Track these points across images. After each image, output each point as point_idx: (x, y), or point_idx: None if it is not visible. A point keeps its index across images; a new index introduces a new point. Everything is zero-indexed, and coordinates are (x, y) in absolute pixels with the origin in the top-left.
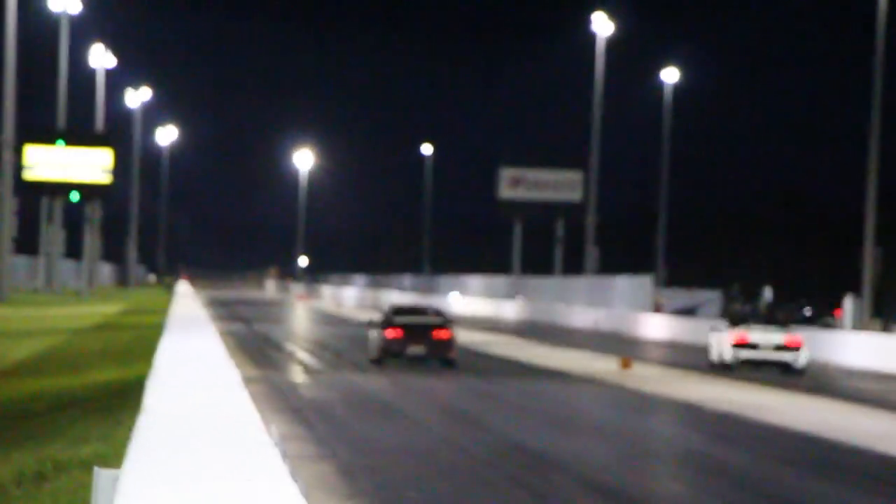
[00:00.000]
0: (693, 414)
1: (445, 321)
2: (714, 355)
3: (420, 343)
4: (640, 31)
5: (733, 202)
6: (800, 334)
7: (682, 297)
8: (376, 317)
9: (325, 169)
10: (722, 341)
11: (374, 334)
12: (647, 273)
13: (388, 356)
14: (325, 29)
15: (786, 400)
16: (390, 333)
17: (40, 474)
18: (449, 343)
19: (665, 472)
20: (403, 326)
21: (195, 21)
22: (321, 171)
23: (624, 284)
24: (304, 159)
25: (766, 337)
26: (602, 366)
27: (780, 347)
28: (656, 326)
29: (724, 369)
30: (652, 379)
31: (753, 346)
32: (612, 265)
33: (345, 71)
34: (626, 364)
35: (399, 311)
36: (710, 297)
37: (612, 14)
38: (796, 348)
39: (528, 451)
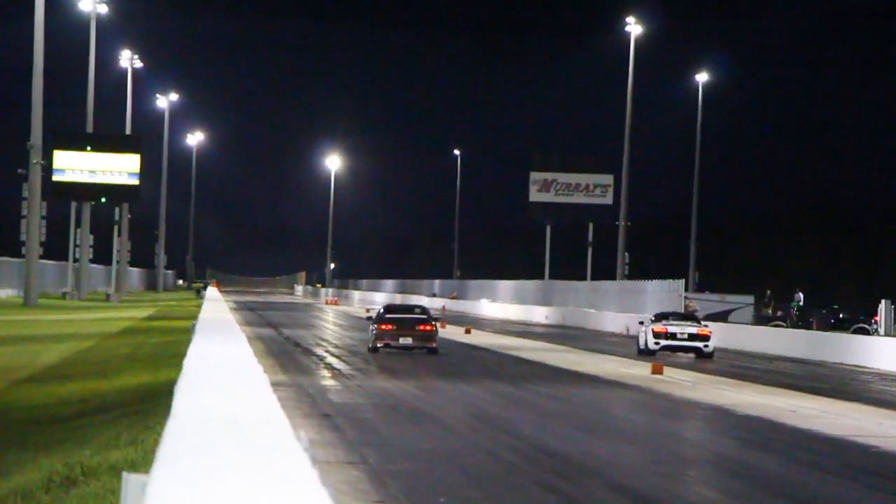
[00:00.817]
0: (724, 418)
1: (429, 318)
2: (641, 344)
3: (408, 335)
4: (672, 33)
5: (766, 206)
6: (709, 326)
7: (714, 301)
8: (374, 314)
9: (355, 172)
10: (647, 332)
11: (372, 328)
12: (678, 278)
13: (383, 346)
14: (355, 31)
15: (819, 405)
16: (384, 327)
17: (69, 479)
18: (431, 334)
19: (696, 476)
20: (394, 321)
21: (224, 23)
22: (351, 175)
23: (655, 289)
24: (333, 163)
25: (681, 328)
26: (633, 371)
27: (693, 336)
28: None
29: (648, 354)
30: (683, 384)
31: (672, 336)
32: (643, 269)
33: (375, 73)
34: (657, 369)
35: (391, 309)
36: (743, 302)
37: (644, 16)
38: (706, 337)
39: (558, 455)
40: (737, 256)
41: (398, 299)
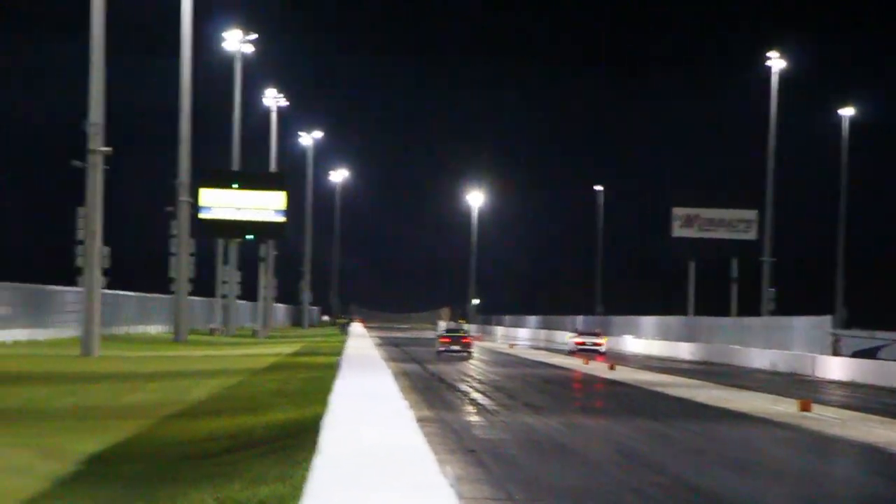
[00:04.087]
0: (875, 457)
1: (468, 333)
2: (567, 349)
3: (456, 344)
4: (815, 66)
5: None
6: (602, 338)
7: (863, 338)
8: (437, 332)
9: (497, 208)
10: (571, 342)
11: (436, 341)
12: (826, 314)
13: (444, 350)
14: (496, 68)
15: None
16: (443, 339)
17: None
18: (469, 344)
19: None
20: (448, 336)
21: (367, 61)
22: (493, 211)
23: (802, 325)
24: (475, 199)
25: (589, 339)
26: (780, 408)
27: (594, 344)
28: (836, 368)
29: (569, 354)
30: (832, 421)
31: (583, 343)
32: (789, 305)
33: (516, 109)
34: (804, 406)
35: (447, 330)
36: (893, 339)
37: (787, 50)
38: (601, 345)
39: (704, 493)
40: (887, 292)
41: (542, 335)
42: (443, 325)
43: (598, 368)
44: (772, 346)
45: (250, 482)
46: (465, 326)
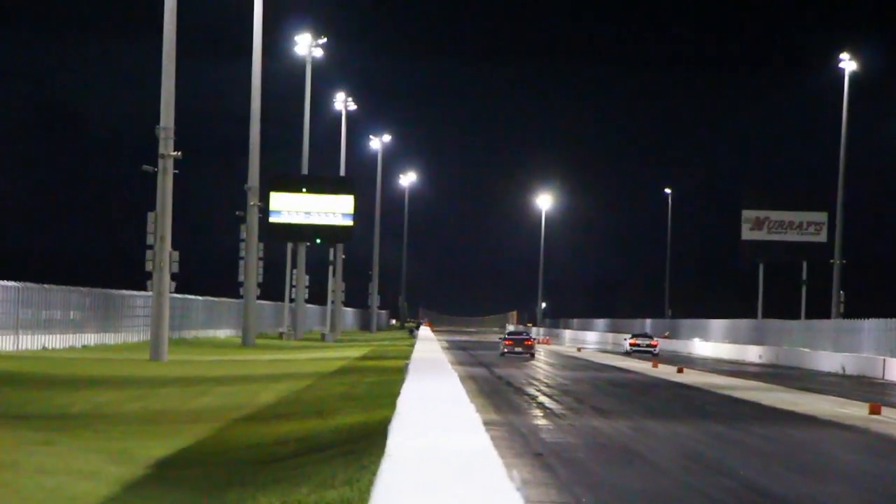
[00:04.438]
0: None
1: (530, 336)
2: (622, 349)
3: (519, 346)
4: (887, 68)
5: None
6: (657, 339)
7: None
8: (500, 336)
9: (566, 211)
10: (626, 343)
11: (500, 342)
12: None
13: (508, 351)
14: (566, 72)
15: None
16: (507, 341)
17: None
18: (532, 346)
19: None
20: (511, 338)
21: (436, 64)
22: (562, 214)
23: (872, 327)
24: (544, 202)
25: (643, 340)
26: (849, 411)
27: (648, 345)
28: None
29: (626, 355)
30: None
31: (637, 345)
32: (859, 308)
33: (585, 112)
34: (874, 409)
35: (510, 333)
36: None
37: (860, 50)
38: (655, 346)
39: (772, 496)
40: None
41: (609, 339)
42: (510, 328)
43: (666, 372)
44: (841, 348)
45: (318, 486)
46: (533, 330)
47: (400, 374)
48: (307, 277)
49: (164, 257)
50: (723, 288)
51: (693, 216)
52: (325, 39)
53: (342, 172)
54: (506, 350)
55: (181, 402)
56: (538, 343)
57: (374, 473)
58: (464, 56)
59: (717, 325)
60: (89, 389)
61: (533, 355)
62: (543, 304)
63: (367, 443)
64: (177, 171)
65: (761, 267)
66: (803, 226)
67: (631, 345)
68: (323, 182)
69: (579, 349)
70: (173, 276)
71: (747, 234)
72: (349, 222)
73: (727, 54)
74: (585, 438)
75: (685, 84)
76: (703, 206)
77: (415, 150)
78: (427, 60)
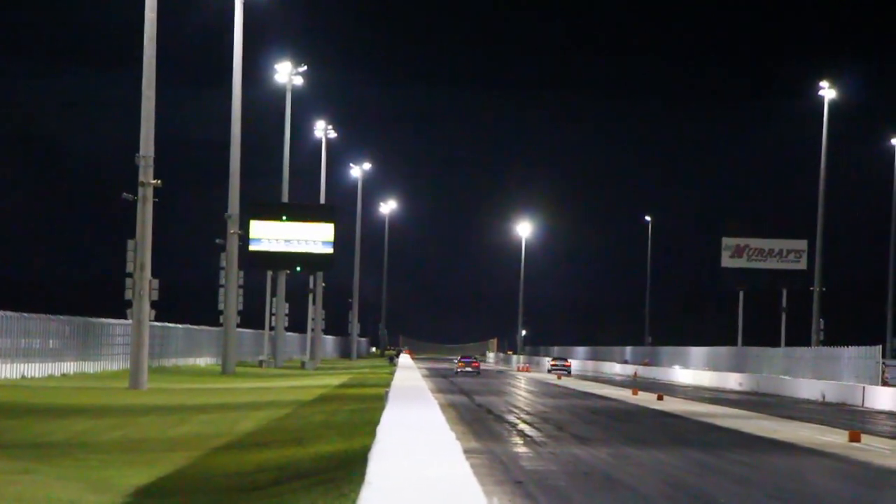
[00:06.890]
0: None
1: (477, 359)
2: (544, 370)
3: (468, 367)
4: (866, 97)
5: None
6: (568, 360)
7: None
8: (455, 360)
9: (545, 239)
10: (546, 364)
11: (455, 364)
12: (876, 344)
13: (458, 371)
14: (542, 99)
15: None
16: (459, 363)
17: None
18: (478, 367)
19: None
20: (463, 361)
21: (415, 93)
22: (541, 242)
23: (851, 355)
24: (524, 230)
25: (559, 361)
26: (829, 438)
27: (563, 366)
28: (885, 398)
29: (548, 373)
30: (881, 452)
31: (556, 365)
32: (838, 335)
33: (564, 140)
34: (854, 437)
35: (462, 357)
36: None
37: (838, 80)
38: (568, 366)
39: None
40: None
41: (590, 366)
42: (491, 355)
43: (647, 399)
44: (821, 376)
45: None
46: (513, 358)
47: (380, 401)
48: (287, 305)
49: (143, 285)
50: (703, 315)
51: (674, 244)
52: (304, 67)
53: (322, 200)
54: (458, 370)
55: (161, 431)
56: (518, 370)
57: (353, 502)
58: (444, 84)
59: (698, 352)
60: (68, 418)
61: (479, 372)
62: (524, 332)
63: (348, 471)
64: (157, 199)
65: (741, 294)
66: (783, 253)
67: (552, 365)
68: (303, 210)
69: (559, 376)
70: (153, 304)
71: (727, 261)
72: (329, 250)
73: (707, 83)
74: (566, 466)
75: (665, 112)
76: (684, 234)
77: (395, 177)
78: (407, 88)
